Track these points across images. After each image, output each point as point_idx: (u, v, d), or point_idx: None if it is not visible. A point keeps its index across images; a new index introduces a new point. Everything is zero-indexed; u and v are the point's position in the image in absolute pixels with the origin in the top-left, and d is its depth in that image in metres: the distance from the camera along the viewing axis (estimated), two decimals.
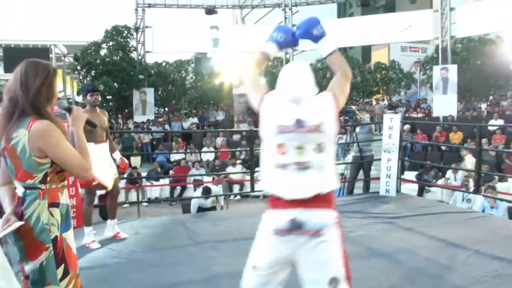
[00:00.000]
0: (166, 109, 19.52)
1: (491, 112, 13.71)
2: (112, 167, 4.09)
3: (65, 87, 18.95)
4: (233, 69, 15.50)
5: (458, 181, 8.82)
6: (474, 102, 15.95)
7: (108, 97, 15.72)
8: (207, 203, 6.26)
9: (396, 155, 5.83)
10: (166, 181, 11.18)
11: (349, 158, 8.26)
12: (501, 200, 6.11)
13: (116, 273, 3.33)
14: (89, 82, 14.25)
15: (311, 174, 1.78)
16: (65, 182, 1.85)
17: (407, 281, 3.06)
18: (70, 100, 17.70)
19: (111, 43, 16.04)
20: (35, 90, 1.72)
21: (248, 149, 8.21)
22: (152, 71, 16.56)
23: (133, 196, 9.92)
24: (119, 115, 17.26)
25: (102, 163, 3.90)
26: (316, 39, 2.04)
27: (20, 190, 1.73)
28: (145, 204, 9.88)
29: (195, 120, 16.08)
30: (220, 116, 16.64)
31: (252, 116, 15.87)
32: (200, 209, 6.18)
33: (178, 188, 10.96)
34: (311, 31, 2.03)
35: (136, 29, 16.27)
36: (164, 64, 18.30)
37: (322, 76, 15.75)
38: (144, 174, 10.98)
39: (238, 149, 12.14)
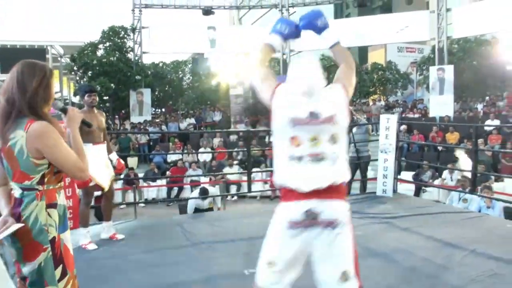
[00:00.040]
0: (163, 109, 19.50)
1: (487, 112, 13.76)
2: (109, 168, 4.09)
3: (62, 88, 18.89)
4: (230, 69, 15.51)
5: (454, 181, 8.85)
6: (470, 103, 16.00)
7: (105, 97, 15.69)
8: (204, 204, 6.26)
9: (393, 155, 5.84)
10: (163, 181, 11.16)
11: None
12: (497, 200, 6.13)
13: (115, 273, 3.32)
14: (86, 83, 14.22)
15: (325, 165, 1.79)
16: (62, 183, 1.85)
17: (404, 281, 3.07)
18: (67, 101, 17.65)
19: (108, 44, 15.99)
20: (32, 91, 1.71)
21: (245, 149, 8.22)
22: (149, 72, 16.55)
23: (130, 197, 9.90)
24: (116, 116, 17.23)
25: (99, 164, 3.90)
26: (319, 30, 2.06)
27: (17, 192, 1.73)
28: (142, 205, 9.87)
29: (192, 120, 16.07)
30: (217, 117, 16.64)
31: (249, 117, 15.89)
32: (197, 210, 6.18)
33: (175, 189, 10.95)
34: (315, 22, 2.04)
35: (133, 29, 16.23)
36: (161, 64, 18.28)
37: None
38: (141, 175, 10.97)
39: (235, 149, 12.14)
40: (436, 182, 9.42)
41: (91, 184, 3.87)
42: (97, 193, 4.16)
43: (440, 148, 11.49)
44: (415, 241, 3.94)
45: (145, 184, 10.84)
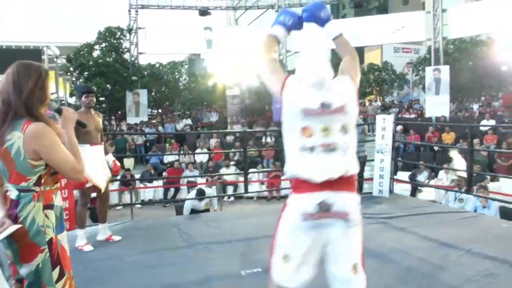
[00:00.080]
0: (160, 110, 19.46)
1: (483, 112, 13.82)
2: (105, 169, 4.08)
3: (58, 88, 18.82)
4: (226, 70, 15.51)
5: (449, 181, 8.88)
6: (466, 103, 16.07)
7: (101, 98, 15.64)
8: (200, 205, 6.25)
9: (389, 155, 5.86)
10: (159, 182, 11.16)
11: None
12: (493, 199, 6.16)
13: (112, 274, 3.31)
14: (82, 84, 14.17)
15: (337, 155, 1.79)
16: (58, 184, 1.85)
17: (401, 281, 3.08)
18: (63, 102, 17.58)
19: (104, 45, 15.97)
20: (27, 92, 1.71)
21: (241, 150, 8.22)
22: (145, 73, 16.53)
23: (126, 198, 9.89)
24: (112, 117, 17.19)
25: (97, 165, 3.89)
26: (322, 22, 2.06)
27: (13, 193, 1.72)
28: (139, 206, 9.86)
29: (189, 121, 16.04)
30: (214, 118, 16.63)
31: (246, 117, 15.89)
32: (194, 211, 6.17)
33: (172, 190, 10.94)
34: (318, 13, 2.05)
35: (129, 30, 16.21)
36: (157, 65, 18.24)
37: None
38: (137, 176, 10.95)
39: (232, 150, 12.14)
40: (432, 182, 9.45)
41: (88, 185, 3.86)
42: (92, 195, 4.15)
43: (436, 148, 11.54)
44: (411, 241, 3.95)
45: (141, 185, 10.82)
